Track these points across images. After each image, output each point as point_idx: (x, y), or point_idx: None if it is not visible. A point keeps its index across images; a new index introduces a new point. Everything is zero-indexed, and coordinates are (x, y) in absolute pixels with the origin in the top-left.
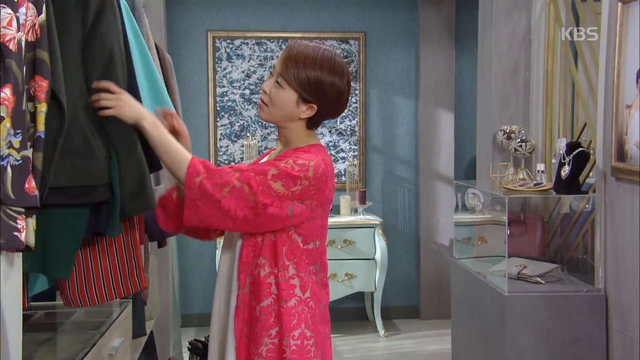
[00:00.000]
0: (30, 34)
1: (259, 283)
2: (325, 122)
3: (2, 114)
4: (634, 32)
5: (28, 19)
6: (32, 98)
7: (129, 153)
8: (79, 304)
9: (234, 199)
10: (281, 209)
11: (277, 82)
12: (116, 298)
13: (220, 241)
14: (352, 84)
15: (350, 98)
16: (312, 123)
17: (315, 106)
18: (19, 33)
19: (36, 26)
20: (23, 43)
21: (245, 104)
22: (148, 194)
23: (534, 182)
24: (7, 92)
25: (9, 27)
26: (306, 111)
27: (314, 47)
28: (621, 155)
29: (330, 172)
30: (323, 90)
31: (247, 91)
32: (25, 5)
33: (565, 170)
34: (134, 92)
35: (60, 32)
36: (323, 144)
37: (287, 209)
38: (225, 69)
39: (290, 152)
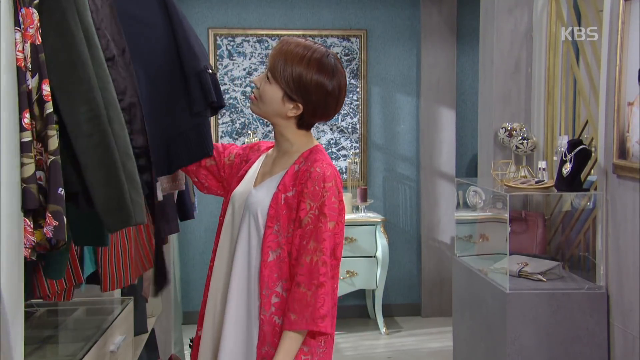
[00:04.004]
0: (37, 38)
1: (285, 302)
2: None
3: (30, 138)
4: (635, 30)
5: (32, 24)
6: (44, 101)
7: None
8: (115, 287)
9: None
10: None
11: (267, 77)
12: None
13: None
14: (353, 81)
15: (351, 95)
16: (302, 123)
17: (300, 105)
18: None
19: (39, 30)
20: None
21: (246, 101)
22: (127, 208)
23: (536, 179)
24: (28, 116)
25: (21, 51)
26: (292, 110)
27: (306, 44)
28: (623, 152)
29: (341, 182)
30: (307, 90)
31: (248, 89)
32: (21, 14)
33: (567, 168)
34: None
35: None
36: (322, 143)
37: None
38: (226, 66)
39: (306, 173)
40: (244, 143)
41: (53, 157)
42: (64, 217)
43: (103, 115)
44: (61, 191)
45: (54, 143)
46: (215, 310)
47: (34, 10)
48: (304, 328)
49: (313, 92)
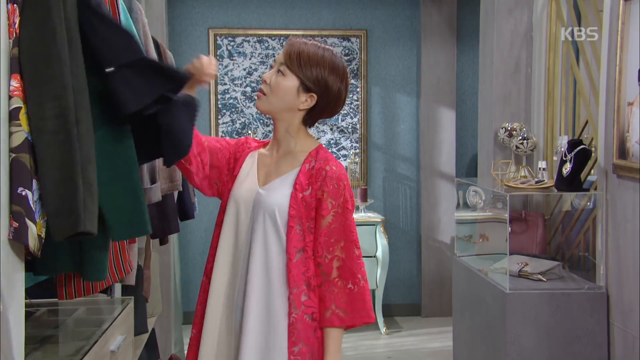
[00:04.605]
0: (15, 33)
1: (314, 299)
2: (327, 119)
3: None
4: (635, 30)
5: (15, 21)
6: (10, 97)
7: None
8: (73, 296)
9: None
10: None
11: (279, 71)
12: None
13: None
14: (353, 81)
15: (351, 95)
16: (310, 117)
17: (315, 96)
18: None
19: (16, 25)
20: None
21: (246, 101)
22: (78, 213)
23: (536, 179)
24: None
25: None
26: (305, 101)
27: (316, 44)
28: (622, 152)
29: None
30: (326, 84)
31: (248, 89)
32: (10, 10)
33: (567, 168)
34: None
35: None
36: (322, 143)
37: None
38: (226, 66)
39: (321, 172)
40: None
41: (14, 155)
42: (27, 220)
43: (71, 115)
44: (22, 191)
45: (16, 140)
46: (219, 311)
47: (17, 7)
48: (359, 322)
49: (330, 86)
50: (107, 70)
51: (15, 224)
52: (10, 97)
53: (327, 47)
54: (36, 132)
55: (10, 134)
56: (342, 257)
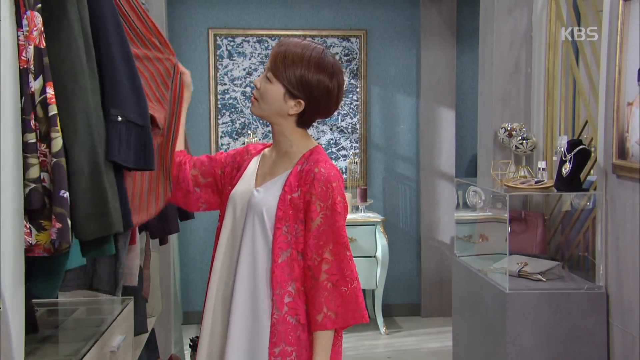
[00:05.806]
0: (40, 41)
1: (298, 301)
2: (326, 119)
3: (35, 139)
4: (635, 30)
5: (36, 27)
6: (47, 104)
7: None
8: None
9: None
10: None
11: (267, 77)
12: None
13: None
14: (353, 81)
15: (351, 95)
16: (303, 121)
17: (302, 102)
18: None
19: (39, 32)
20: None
21: (246, 101)
22: (110, 216)
23: (535, 179)
24: (33, 117)
25: (22, 55)
26: (294, 107)
27: (304, 44)
28: (622, 152)
29: (343, 182)
30: (309, 87)
31: (248, 89)
32: (26, 17)
33: (567, 168)
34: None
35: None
36: (322, 143)
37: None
38: (226, 66)
39: (310, 174)
40: (244, 143)
41: (56, 159)
42: (68, 220)
43: (94, 125)
44: (63, 193)
45: (57, 145)
46: (215, 312)
47: (37, 14)
48: (352, 323)
49: (315, 88)
50: (113, 113)
51: (59, 225)
52: (48, 105)
53: (316, 45)
54: (68, 143)
55: (51, 139)
56: (331, 259)
